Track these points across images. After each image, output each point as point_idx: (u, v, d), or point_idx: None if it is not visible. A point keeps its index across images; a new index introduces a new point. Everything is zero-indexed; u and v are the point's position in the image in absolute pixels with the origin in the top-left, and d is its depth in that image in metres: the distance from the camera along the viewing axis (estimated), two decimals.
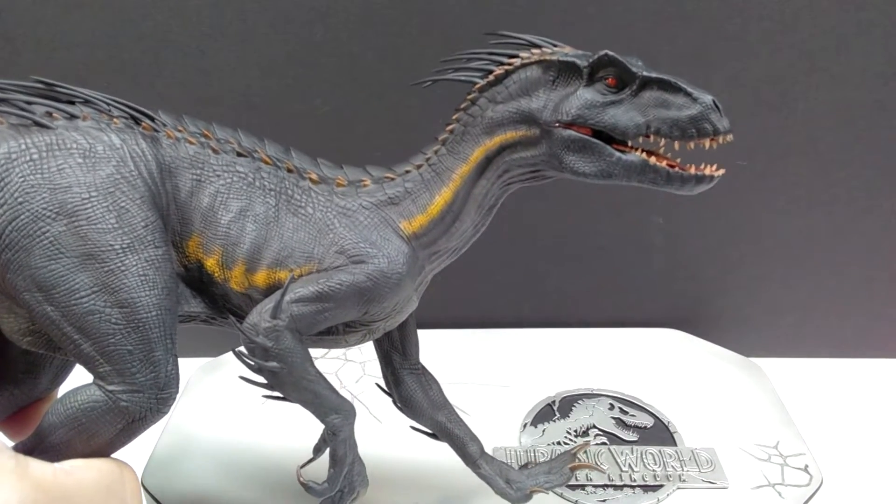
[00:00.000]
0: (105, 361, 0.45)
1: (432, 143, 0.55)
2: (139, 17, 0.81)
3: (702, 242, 0.94)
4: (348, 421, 0.52)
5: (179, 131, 0.51)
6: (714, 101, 0.47)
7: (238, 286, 0.51)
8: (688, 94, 0.47)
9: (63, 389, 0.53)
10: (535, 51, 0.51)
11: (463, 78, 0.53)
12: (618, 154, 0.49)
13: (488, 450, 0.64)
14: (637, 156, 0.48)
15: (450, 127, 0.54)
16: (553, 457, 0.64)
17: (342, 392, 0.54)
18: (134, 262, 0.45)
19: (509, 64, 0.51)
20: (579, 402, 0.79)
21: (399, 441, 0.69)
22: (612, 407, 0.79)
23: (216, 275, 0.50)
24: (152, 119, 0.50)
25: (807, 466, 0.71)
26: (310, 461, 0.55)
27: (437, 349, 0.89)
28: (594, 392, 0.81)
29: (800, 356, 0.97)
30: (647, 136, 0.48)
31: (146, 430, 0.47)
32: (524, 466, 0.63)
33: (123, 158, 0.47)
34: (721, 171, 0.49)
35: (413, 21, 0.82)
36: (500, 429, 0.68)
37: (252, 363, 0.49)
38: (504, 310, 0.97)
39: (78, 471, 0.44)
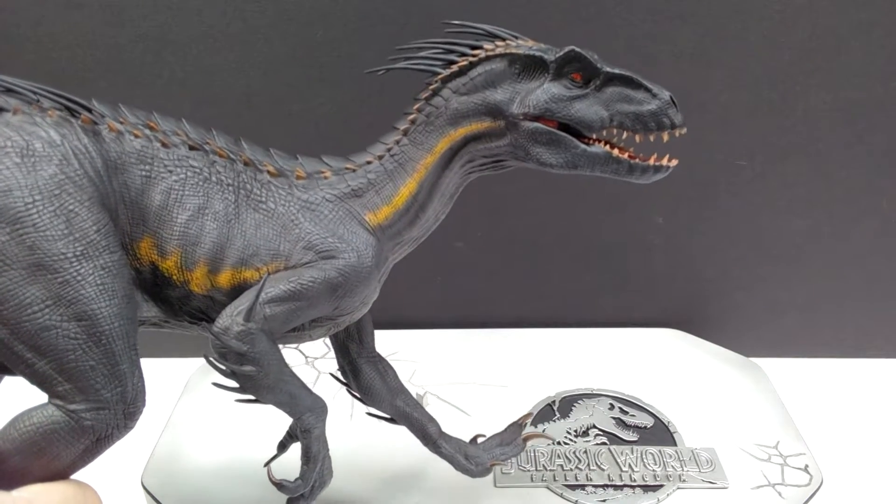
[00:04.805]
0: (64, 379, 0.41)
1: (392, 133, 0.53)
2: (139, 17, 0.81)
3: (702, 242, 0.94)
4: (321, 419, 0.51)
5: (121, 122, 0.47)
6: (671, 97, 0.49)
7: (199, 288, 0.48)
8: (648, 90, 0.49)
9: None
10: (499, 43, 0.51)
11: (423, 67, 0.52)
12: (583, 146, 0.50)
13: None
14: (601, 147, 0.50)
15: (411, 117, 0.53)
16: (504, 430, 0.65)
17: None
18: (90, 271, 0.42)
19: (473, 55, 0.51)
20: (579, 402, 0.79)
21: (400, 441, 0.68)
22: (612, 407, 0.79)
23: (174, 277, 0.47)
24: (89, 110, 0.46)
25: (807, 466, 0.71)
26: (274, 458, 0.55)
27: (438, 349, 0.89)
28: (594, 392, 0.81)
29: (800, 356, 0.97)
30: (610, 129, 0.50)
31: (109, 448, 0.44)
32: (474, 440, 0.64)
33: (66, 156, 0.43)
34: (674, 162, 0.50)
35: (413, 21, 0.82)
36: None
37: (224, 368, 0.46)
38: (504, 310, 0.97)
39: (39, 497, 0.41)
